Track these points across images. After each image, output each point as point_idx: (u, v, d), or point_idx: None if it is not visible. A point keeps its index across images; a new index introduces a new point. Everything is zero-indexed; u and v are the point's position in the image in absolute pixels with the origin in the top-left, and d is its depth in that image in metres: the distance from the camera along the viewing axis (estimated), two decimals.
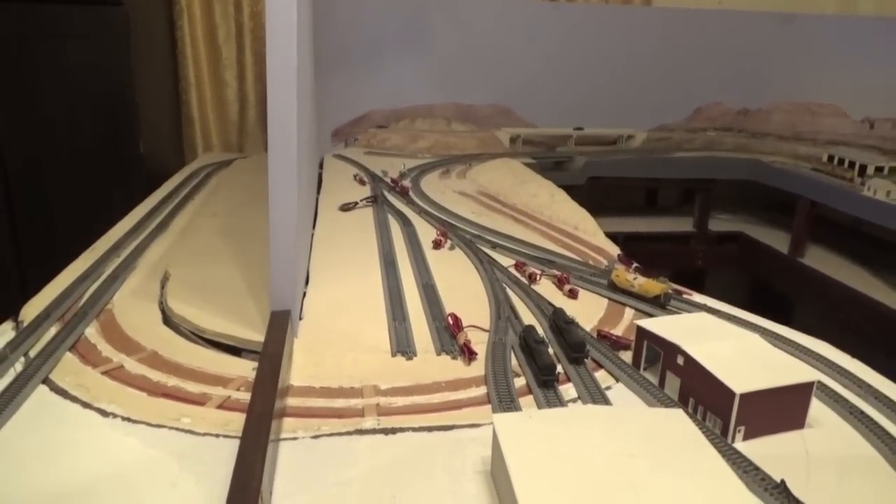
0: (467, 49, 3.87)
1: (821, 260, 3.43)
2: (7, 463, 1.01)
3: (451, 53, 3.86)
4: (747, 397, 1.06)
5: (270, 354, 1.20)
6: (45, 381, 1.24)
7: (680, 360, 1.19)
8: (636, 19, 4.04)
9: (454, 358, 1.36)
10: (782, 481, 0.96)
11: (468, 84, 3.96)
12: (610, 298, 1.68)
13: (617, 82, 4.05)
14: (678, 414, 1.01)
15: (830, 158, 3.50)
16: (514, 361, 1.34)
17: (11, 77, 2.82)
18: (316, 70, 2.92)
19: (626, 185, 3.98)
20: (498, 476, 0.96)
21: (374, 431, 1.11)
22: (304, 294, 1.65)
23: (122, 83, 3.30)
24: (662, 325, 1.29)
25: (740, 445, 1.07)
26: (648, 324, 1.29)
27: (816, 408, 1.18)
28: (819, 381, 1.24)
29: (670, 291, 1.63)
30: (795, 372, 1.14)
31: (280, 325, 1.33)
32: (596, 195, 3.53)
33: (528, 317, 1.56)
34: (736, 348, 1.19)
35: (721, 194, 4.03)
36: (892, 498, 0.98)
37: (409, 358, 1.36)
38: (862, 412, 1.18)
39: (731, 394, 1.07)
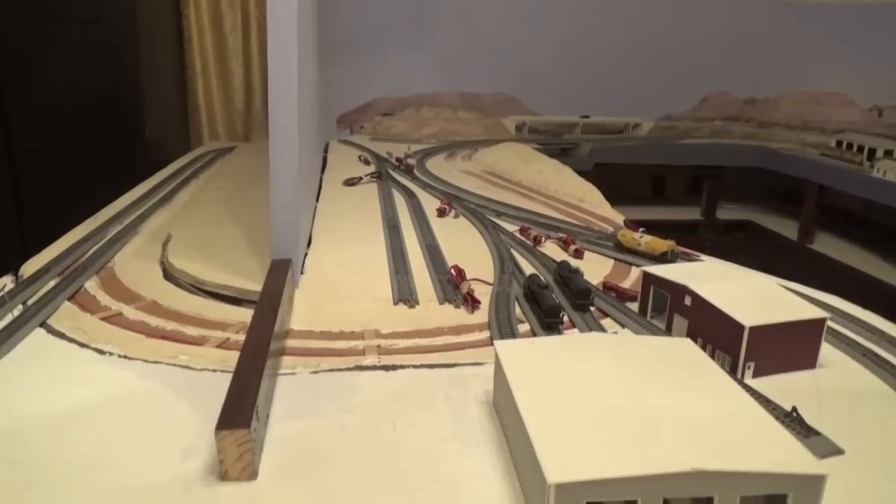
0: (472, 37, 3.86)
1: (830, 246, 3.39)
2: (3, 395, 0.99)
3: (456, 42, 3.86)
4: (757, 331, 1.03)
5: (270, 294, 1.18)
6: (43, 325, 1.23)
7: (687, 301, 1.16)
8: (642, 7, 4.01)
9: (457, 307, 1.34)
10: (794, 408, 0.93)
11: (473, 72, 3.95)
12: (616, 258, 1.66)
13: (623, 71, 4.03)
14: (685, 342, 0.98)
15: (839, 143, 3.46)
16: (518, 311, 1.32)
17: (20, 59, 2.83)
18: (320, 57, 2.92)
19: (634, 172, 3.94)
20: (500, 402, 0.93)
21: (374, 368, 1.09)
22: (306, 255, 1.63)
23: (130, 68, 3.30)
24: (669, 270, 1.26)
25: (750, 382, 1.04)
26: (655, 269, 1.27)
27: (828, 351, 1.15)
28: (831, 327, 1.22)
29: (677, 249, 1.61)
30: (806, 309, 1.11)
31: (280, 270, 1.31)
32: (603, 183, 3.51)
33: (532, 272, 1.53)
34: (745, 288, 1.17)
35: (729, 184, 4.00)
36: None
37: (412, 306, 1.34)
38: (875, 354, 1.15)
39: (739, 327, 1.04)
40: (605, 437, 0.73)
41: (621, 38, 3.98)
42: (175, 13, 3.74)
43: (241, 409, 0.80)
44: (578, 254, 1.66)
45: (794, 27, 3.96)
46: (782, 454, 0.70)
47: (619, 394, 0.81)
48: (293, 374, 1.06)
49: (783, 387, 1.04)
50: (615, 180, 3.86)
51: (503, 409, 0.91)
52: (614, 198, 2.77)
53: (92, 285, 1.44)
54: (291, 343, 1.17)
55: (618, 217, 2.12)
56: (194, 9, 3.71)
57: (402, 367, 1.09)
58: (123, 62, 3.26)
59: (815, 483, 0.67)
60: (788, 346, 1.08)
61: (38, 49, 2.89)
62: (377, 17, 3.75)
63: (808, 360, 1.10)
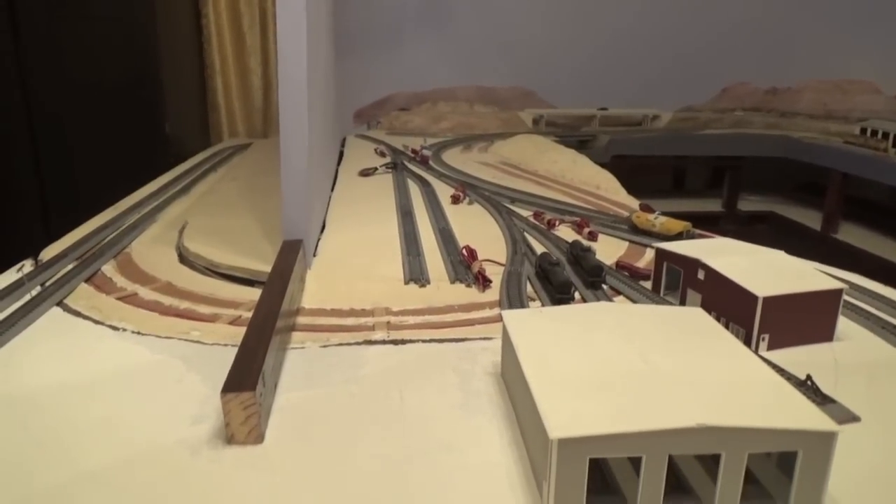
0: (489, 31, 3.85)
1: (854, 235, 3.33)
2: (19, 365, 1.01)
3: (472, 36, 3.85)
4: (771, 302, 1.02)
5: (280, 269, 1.19)
6: (60, 304, 1.25)
7: (700, 275, 1.15)
8: None
9: (468, 286, 1.34)
10: (808, 377, 0.91)
11: (490, 66, 3.94)
12: (630, 240, 1.64)
13: (641, 63, 3.99)
14: (697, 311, 0.97)
15: (863, 131, 3.40)
16: (529, 290, 1.31)
17: (43, 55, 2.88)
18: (336, 50, 2.93)
19: (653, 164, 3.90)
20: (507, 370, 0.93)
21: (383, 342, 1.09)
22: (319, 240, 1.64)
23: (150, 66, 3.34)
24: (682, 246, 1.24)
25: (765, 355, 1.02)
26: (668, 245, 1.25)
27: (846, 325, 1.13)
28: (849, 302, 1.20)
29: (692, 230, 1.59)
30: (822, 280, 1.09)
31: (292, 250, 1.31)
32: (621, 175, 3.47)
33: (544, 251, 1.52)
34: (759, 261, 1.15)
35: (750, 175, 3.94)
36: None
37: (423, 285, 1.33)
38: (895, 327, 1.12)
39: (753, 298, 1.02)
40: (610, 396, 0.72)
41: (639, 29, 3.94)
42: (194, 12, 3.79)
43: (247, 374, 0.80)
44: (592, 236, 1.65)
45: (815, 15, 3.89)
46: (792, 412, 0.69)
47: (627, 357, 0.80)
48: (302, 348, 1.07)
49: (799, 359, 1.02)
50: (634, 172, 3.82)
51: (510, 376, 0.90)
52: (633, 190, 2.75)
53: (109, 269, 1.46)
54: (302, 320, 1.18)
55: (634, 203, 2.10)
56: (213, 8, 3.75)
57: (411, 341, 1.09)
58: (144, 60, 3.31)
59: (826, 440, 0.65)
60: (804, 318, 1.06)
61: (61, 45, 2.93)
62: (393, 11, 3.76)
63: (824, 332, 1.08)
